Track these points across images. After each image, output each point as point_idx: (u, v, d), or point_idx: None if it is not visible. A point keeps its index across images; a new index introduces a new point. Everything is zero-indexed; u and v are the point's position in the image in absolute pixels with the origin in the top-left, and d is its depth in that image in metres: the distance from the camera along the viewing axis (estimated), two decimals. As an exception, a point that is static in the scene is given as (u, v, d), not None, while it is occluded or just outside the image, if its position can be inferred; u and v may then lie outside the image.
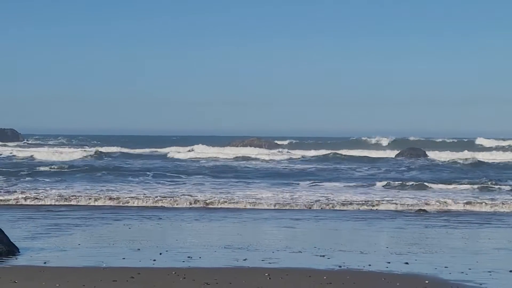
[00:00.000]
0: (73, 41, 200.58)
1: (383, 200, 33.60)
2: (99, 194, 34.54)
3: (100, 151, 74.38)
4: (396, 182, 42.35)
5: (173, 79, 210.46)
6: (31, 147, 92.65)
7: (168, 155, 74.69)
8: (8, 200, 32.73)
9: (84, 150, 78.09)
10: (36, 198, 33.10)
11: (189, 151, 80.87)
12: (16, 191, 35.33)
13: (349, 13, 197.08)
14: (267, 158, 70.17)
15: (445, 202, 33.21)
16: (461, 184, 42.27)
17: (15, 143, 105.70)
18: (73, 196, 33.78)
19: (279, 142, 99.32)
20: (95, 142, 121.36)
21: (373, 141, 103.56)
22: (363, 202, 32.93)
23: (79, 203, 32.31)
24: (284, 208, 31.56)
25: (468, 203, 33.13)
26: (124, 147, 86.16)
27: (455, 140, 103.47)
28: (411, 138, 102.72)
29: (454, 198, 34.75)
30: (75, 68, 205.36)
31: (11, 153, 72.77)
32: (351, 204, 32.56)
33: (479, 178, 46.58)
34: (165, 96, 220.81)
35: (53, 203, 32.10)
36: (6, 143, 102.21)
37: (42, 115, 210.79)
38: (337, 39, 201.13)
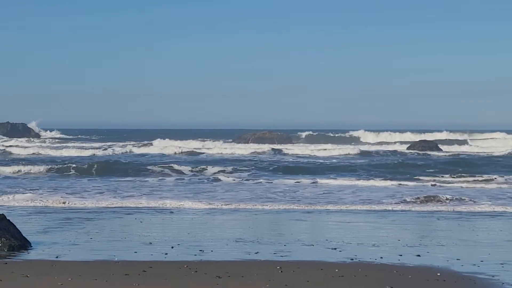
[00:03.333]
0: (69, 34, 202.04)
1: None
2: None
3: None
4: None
5: (172, 73, 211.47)
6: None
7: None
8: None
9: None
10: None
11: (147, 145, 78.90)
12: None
13: (353, 5, 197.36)
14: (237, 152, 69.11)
15: None
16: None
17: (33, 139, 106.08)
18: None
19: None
20: (103, 136, 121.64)
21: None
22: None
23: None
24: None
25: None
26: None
27: None
28: None
29: None
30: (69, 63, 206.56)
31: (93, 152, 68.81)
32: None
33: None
34: (165, 91, 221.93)
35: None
36: (20, 138, 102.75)
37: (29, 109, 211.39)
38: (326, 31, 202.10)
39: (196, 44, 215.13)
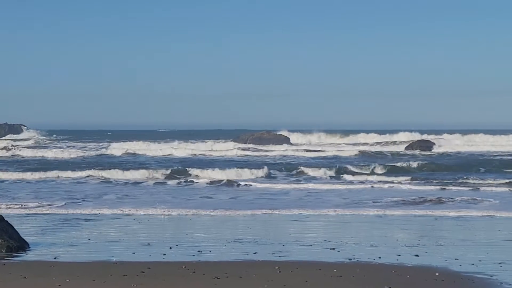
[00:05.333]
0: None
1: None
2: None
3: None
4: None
5: (173, 73, 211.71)
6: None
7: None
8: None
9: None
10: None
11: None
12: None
13: (353, 5, 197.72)
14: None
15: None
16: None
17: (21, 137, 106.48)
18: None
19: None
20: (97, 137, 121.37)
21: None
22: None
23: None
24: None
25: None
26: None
27: None
28: None
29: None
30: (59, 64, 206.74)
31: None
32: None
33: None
34: (164, 90, 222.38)
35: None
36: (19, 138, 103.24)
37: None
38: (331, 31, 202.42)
39: (196, 44, 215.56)
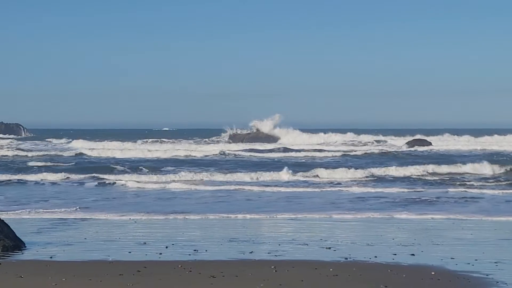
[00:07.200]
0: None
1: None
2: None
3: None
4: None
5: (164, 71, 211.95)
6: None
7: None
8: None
9: None
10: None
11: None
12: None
13: (350, 5, 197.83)
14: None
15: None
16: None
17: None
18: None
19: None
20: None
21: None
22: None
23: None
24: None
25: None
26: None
27: None
28: None
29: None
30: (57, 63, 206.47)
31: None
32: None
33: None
34: (165, 90, 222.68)
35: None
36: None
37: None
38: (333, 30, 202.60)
39: (195, 44, 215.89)
